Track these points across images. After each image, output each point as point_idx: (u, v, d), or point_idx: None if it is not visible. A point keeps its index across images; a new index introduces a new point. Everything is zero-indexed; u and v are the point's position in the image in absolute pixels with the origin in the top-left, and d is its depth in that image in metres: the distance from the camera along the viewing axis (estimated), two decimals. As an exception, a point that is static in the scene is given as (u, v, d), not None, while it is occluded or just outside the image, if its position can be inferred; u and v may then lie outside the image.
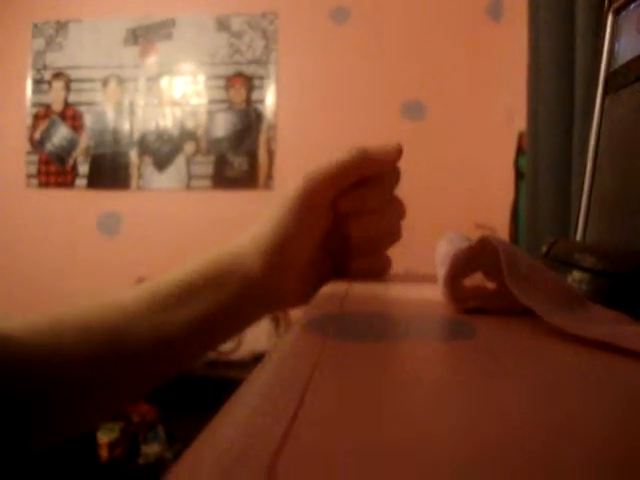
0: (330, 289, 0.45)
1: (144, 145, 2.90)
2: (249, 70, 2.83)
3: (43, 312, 0.44)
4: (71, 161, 2.97)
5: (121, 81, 2.94)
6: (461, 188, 2.64)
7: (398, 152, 0.50)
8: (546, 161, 1.29)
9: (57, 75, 2.98)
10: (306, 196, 0.49)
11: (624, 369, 0.23)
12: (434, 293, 0.41)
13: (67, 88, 2.98)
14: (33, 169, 2.99)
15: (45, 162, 2.98)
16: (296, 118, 2.79)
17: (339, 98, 2.76)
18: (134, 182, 2.91)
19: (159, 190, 2.90)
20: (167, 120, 2.90)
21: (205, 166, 2.85)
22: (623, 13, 0.45)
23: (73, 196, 2.97)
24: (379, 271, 0.54)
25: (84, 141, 2.96)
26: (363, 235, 0.52)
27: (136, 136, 2.91)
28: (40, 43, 3.00)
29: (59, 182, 2.97)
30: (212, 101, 2.86)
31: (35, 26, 3.00)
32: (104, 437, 2.48)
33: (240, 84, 2.84)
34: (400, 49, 2.72)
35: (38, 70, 3.00)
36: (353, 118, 2.73)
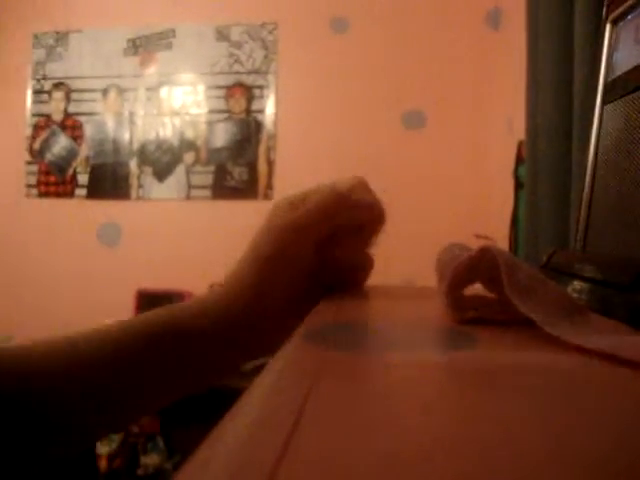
0: (328, 300, 0.45)
1: (144, 155, 2.91)
2: (249, 80, 2.84)
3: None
4: (71, 171, 2.97)
5: (121, 91, 2.94)
6: (461, 198, 2.64)
7: (381, 214, 0.50)
8: (545, 171, 1.29)
9: (57, 85, 2.99)
10: (284, 247, 0.47)
11: (624, 380, 0.23)
12: (434, 303, 0.41)
13: (67, 98, 2.98)
14: (33, 179, 2.99)
15: (45, 172, 2.98)
16: (296, 128, 2.80)
17: (339, 108, 2.76)
18: (134, 192, 2.91)
19: (159, 200, 2.90)
20: (167, 130, 2.90)
21: (205, 176, 2.85)
22: (621, 23, 0.45)
23: (73, 206, 2.97)
24: (367, 270, 0.53)
25: (84, 151, 2.96)
26: (348, 256, 0.51)
27: (136, 146, 2.92)
28: (40, 53, 3.01)
29: (59, 192, 2.97)
30: (212, 111, 2.87)
31: (35, 37, 3.01)
32: (103, 448, 2.47)
33: (240, 94, 2.84)
34: (400, 58, 2.72)
35: (38, 80, 3.01)
36: (353, 127, 2.74)
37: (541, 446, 0.14)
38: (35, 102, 3.01)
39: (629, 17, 0.44)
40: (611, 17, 0.46)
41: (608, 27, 0.47)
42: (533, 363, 0.25)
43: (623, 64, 0.44)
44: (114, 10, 2.96)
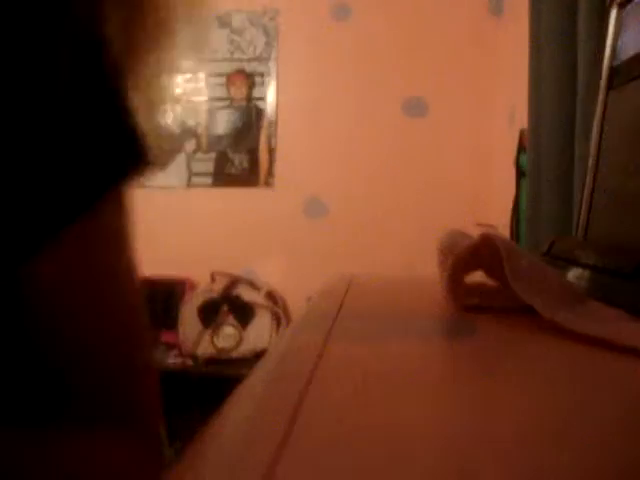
0: (331, 286, 0.45)
1: (144, 142, 2.90)
2: (250, 67, 2.82)
3: None
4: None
5: (121, 78, 2.93)
6: (462, 186, 2.64)
7: None
8: (547, 159, 1.28)
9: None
10: None
11: (624, 367, 0.22)
12: (435, 290, 0.40)
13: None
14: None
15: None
16: (297, 115, 2.79)
17: (340, 95, 2.75)
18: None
19: (160, 188, 2.89)
20: (167, 117, 2.89)
21: (206, 164, 2.85)
22: (627, 7, 0.44)
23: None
24: None
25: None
26: None
27: (136, 133, 2.91)
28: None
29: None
30: (213, 98, 2.86)
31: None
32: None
33: (241, 81, 2.83)
34: (401, 46, 2.71)
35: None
36: (354, 115, 2.73)
37: (541, 435, 0.14)
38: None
39: (635, 1, 0.43)
40: (617, 1, 0.45)
41: (614, 11, 0.46)
42: (533, 350, 0.25)
43: (629, 49, 0.43)
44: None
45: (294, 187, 2.77)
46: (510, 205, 1.82)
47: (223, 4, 2.84)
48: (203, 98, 2.87)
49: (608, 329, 0.27)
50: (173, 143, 2.88)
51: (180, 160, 2.87)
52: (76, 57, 0.35)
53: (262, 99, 2.81)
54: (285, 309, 2.71)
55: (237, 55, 2.83)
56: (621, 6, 0.45)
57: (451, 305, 0.36)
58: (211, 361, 2.53)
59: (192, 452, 0.14)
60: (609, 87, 0.46)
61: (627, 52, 0.43)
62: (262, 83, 2.81)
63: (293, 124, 2.79)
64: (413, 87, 2.70)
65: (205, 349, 2.54)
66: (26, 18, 0.34)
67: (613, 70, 0.46)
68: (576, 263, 0.42)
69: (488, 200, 2.56)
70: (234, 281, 2.64)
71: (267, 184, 2.79)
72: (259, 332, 2.56)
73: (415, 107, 2.69)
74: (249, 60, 2.82)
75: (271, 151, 2.79)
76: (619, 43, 0.45)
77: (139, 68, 0.42)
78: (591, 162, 0.49)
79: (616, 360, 0.23)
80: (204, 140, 2.85)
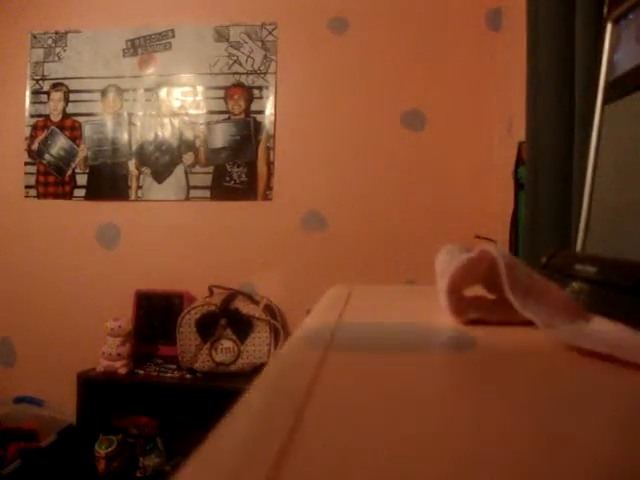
0: (330, 299, 0.44)
1: (143, 156, 2.90)
2: (248, 80, 2.84)
3: None
4: (69, 172, 2.96)
5: (120, 92, 2.94)
6: (461, 198, 2.64)
7: None
8: (546, 171, 1.29)
9: (56, 86, 2.99)
10: None
11: (624, 381, 0.22)
12: (434, 304, 0.40)
13: (66, 99, 2.98)
14: (31, 180, 2.99)
15: (43, 173, 2.98)
16: (295, 128, 2.80)
17: (338, 108, 2.76)
18: (133, 193, 2.91)
19: (158, 201, 2.90)
20: (166, 131, 2.90)
21: (204, 177, 2.85)
22: (622, 22, 0.45)
23: (71, 207, 2.97)
24: None
25: (82, 152, 2.96)
26: None
27: (135, 147, 2.91)
28: (39, 53, 3.00)
29: (57, 193, 2.97)
30: (211, 112, 2.87)
31: (34, 37, 3.01)
32: (102, 449, 2.47)
33: (239, 94, 2.84)
34: (399, 59, 2.73)
35: (36, 81, 3.00)
36: (353, 128, 2.74)
37: (538, 449, 0.14)
38: (33, 102, 3.01)
39: (630, 16, 0.43)
40: (612, 16, 0.46)
41: (609, 26, 0.46)
42: (532, 365, 0.25)
43: (624, 63, 0.43)
44: (113, 10, 2.96)
45: (293, 200, 2.77)
46: (509, 218, 1.82)
47: (221, 18, 2.86)
48: (201, 112, 2.87)
49: (608, 343, 0.27)
50: (172, 156, 2.88)
51: (178, 173, 2.87)
52: None
53: (260, 112, 2.82)
54: (284, 322, 2.71)
55: (235, 69, 2.84)
56: (616, 21, 0.45)
57: (451, 319, 0.36)
58: (209, 375, 2.52)
59: (191, 463, 0.14)
60: (605, 101, 0.46)
61: (623, 66, 0.43)
62: (260, 96, 2.82)
63: (291, 137, 2.80)
64: (412, 100, 2.71)
65: (203, 363, 2.53)
66: None
67: (609, 84, 0.46)
68: (575, 276, 0.42)
69: (487, 213, 2.56)
70: (232, 294, 2.63)
71: (265, 197, 2.79)
72: (258, 346, 2.55)
73: (414, 120, 2.70)
74: (247, 74, 2.84)
75: (269, 164, 2.80)
76: (615, 57, 0.45)
77: None
78: (589, 175, 0.49)
79: (616, 375, 0.23)
80: (202, 153, 2.86)
